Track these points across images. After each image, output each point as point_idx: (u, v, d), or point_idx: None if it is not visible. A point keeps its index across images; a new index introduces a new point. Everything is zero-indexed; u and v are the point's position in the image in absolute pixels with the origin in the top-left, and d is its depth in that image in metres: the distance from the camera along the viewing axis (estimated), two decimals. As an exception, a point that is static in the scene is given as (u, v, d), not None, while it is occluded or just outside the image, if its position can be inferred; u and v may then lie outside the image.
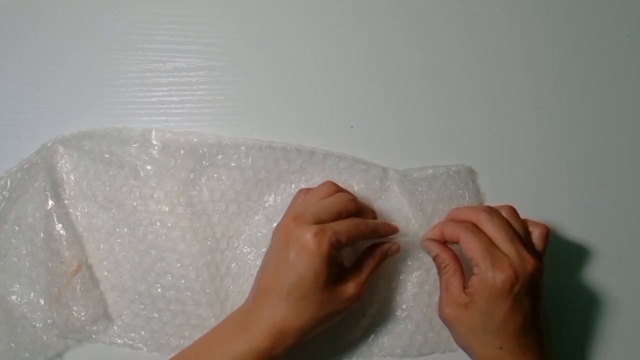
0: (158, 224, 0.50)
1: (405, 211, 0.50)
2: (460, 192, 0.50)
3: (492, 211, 0.44)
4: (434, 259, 0.46)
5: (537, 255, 0.43)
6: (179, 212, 0.50)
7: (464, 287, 0.43)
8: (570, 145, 0.54)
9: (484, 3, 0.56)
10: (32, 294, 0.49)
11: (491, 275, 0.41)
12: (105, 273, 0.50)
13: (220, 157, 0.51)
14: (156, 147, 0.51)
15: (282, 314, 0.41)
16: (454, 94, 0.54)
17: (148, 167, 0.51)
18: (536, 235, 0.44)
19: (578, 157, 0.53)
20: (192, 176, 0.51)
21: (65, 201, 0.51)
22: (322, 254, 0.41)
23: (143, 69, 0.55)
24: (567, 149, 0.53)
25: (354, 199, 0.46)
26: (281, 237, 0.43)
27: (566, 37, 0.55)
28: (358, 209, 0.46)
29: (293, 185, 0.51)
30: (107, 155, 0.51)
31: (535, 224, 0.45)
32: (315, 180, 0.51)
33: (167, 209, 0.50)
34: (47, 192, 0.50)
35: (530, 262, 0.41)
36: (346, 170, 0.51)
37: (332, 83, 0.54)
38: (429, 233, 0.46)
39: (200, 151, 0.51)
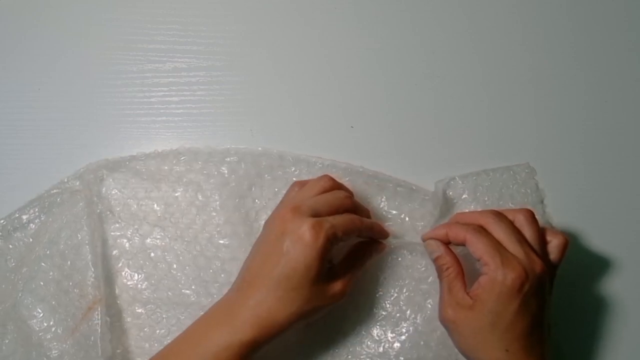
0: (216, 235, 0.50)
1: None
2: (523, 190, 0.50)
3: (500, 215, 0.44)
4: (436, 260, 0.45)
5: (547, 260, 0.43)
6: (234, 221, 0.50)
7: (467, 291, 0.43)
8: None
9: (484, 3, 0.56)
10: (51, 321, 0.47)
11: (501, 274, 0.40)
12: (169, 293, 0.50)
13: (279, 172, 0.51)
14: (215, 161, 0.51)
15: (268, 305, 0.41)
16: (455, 93, 0.54)
17: (211, 181, 0.51)
18: (554, 245, 0.44)
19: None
20: (252, 189, 0.51)
21: (117, 225, 0.51)
22: (317, 247, 0.41)
23: (143, 69, 0.55)
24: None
25: (350, 196, 0.46)
26: (276, 228, 0.43)
27: (566, 39, 0.55)
28: (354, 207, 0.46)
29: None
30: (157, 175, 0.51)
31: (555, 233, 0.45)
32: (379, 203, 0.51)
33: (222, 220, 0.50)
34: (83, 222, 0.49)
35: (538, 264, 0.41)
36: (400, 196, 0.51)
37: (332, 83, 0.54)
38: (431, 233, 0.46)
39: (264, 164, 0.51)
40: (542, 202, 0.51)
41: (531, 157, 0.53)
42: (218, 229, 0.50)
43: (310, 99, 0.54)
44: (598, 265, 0.51)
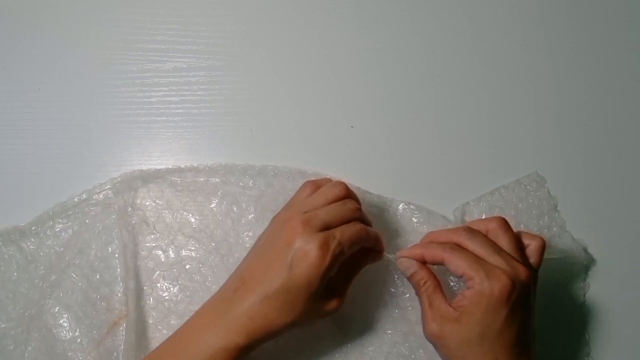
0: (247, 246, 0.50)
1: None
2: (537, 202, 0.51)
3: (471, 230, 0.44)
4: (410, 277, 0.45)
5: (529, 265, 0.43)
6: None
7: (449, 303, 0.42)
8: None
9: (484, 3, 0.56)
10: (77, 332, 0.47)
11: (488, 286, 0.40)
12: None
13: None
14: (251, 175, 0.51)
15: (265, 312, 0.41)
16: (455, 94, 0.54)
17: (247, 193, 0.51)
18: (532, 248, 0.44)
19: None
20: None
21: (152, 236, 0.50)
22: (323, 267, 0.41)
23: (143, 69, 0.55)
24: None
25: (360, 208, 0.46)
26: (284, 235, 0.42)
27: (566, 39, 0.55)
28: (362, 219, 0.46)
29: None
30: (192, 187, 0.51)
31: (532, 236, 0.45)
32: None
33: (257, 232, 0.49)
34: (114, 234, 0.49)
35: (522, 271, 0.41)
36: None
37: (332, 83, 0.54)
38: (405, 252, 0.45)
39: (300, 180, 0.50)
40: (556, 208, 0.51)
41: (531, 157, 0.53)
42: (253, 242, 0.49)
43: (310, 99, 0.54)
44: (598, 265, 0.51)
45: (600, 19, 0.56)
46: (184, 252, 0.50)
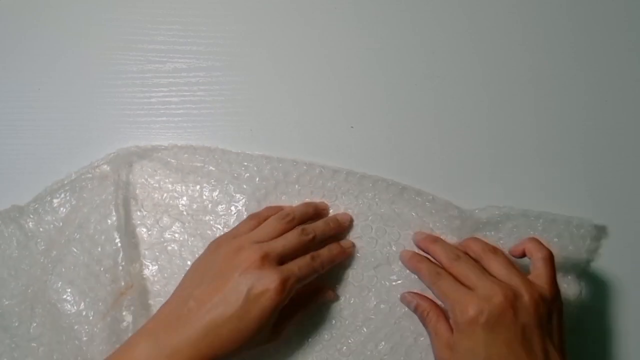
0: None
1: None
2: (571, 248, 0.49)
3: (457, 256, 0.45)
4: (415, 309, 0.46)
5: (523, 279, 0.42)
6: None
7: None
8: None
9: (484, 3, 0.56)
10: (82, 305, 0.48)
11: (458, 312, 0.41)
12: None
13: (307, 178, 0.51)
14: (246, 167, 0.51)
15: (210, 341, 0.40)
16: (455, 94, 0.54)
17: (238, 184, 0.50)
18: (537, 259, 0.43)
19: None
20: (284, 198, 0.51)
21: (138, 213, 0.50)
22: (280, 302, 0.41)
23: (143, 69, 0.55)
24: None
25: (315, 235, 0.46)
26: (239, 265, 0.42)
27: (566, 39, 0.55)
28: (321, 239, 0.47)
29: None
30: (186, 169, 0.51)
31: (538, 249, 0.44)
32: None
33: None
34: (112, 207, 0.49)
35: (497, 293, 0.40)
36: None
37: (332, 83, 0.54)
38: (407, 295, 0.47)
39: (294, 175, 0.51)
40: (588, 263, 0.50)
41: (531, 157, 0.53)
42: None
43: (310, 99, 0.54)
44: (597, 265, 0.51)
45: (600, 19, 0.56)
46: (167, 234, 0.50)
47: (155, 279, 0.50)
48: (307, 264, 0.44)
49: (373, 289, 0.49)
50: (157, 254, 0.50)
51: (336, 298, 0.49)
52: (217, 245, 0.45)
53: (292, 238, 0.45)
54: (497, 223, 0.49)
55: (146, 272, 0.50)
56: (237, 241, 0.44)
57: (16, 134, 0.54)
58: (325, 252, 0.47)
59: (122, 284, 0.48)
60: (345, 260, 0.49)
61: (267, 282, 0.41)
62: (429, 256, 0.47)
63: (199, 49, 0.55)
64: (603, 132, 0.54)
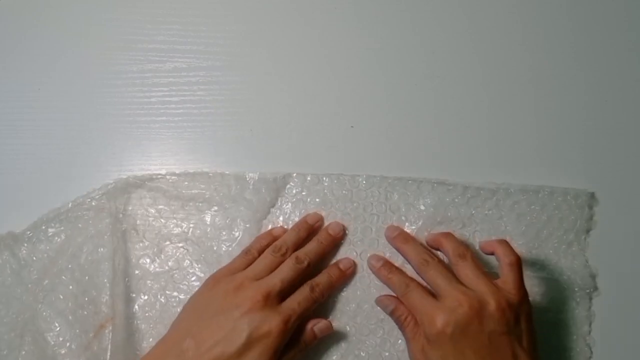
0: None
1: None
2: (572, 217, 0.50)
3: (427, 262, 0.45)
4: (391, 314, 0.46)
5: (490, 287, 0.42)
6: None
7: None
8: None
9: (484, 3, 0.56)
10: (67, 336, 0.47)
11: (427, 324, 0.42)
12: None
13: (304, 192, 0.51)
14: (251, 187, 0.51)
15: None
16: (455, 94, 0.54)
17: (238, 208, 0.50)
18: (503, 264, 0.44)
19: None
20: (278, 215, 0.51)
21: (140, 244, 0.50)
22: (282, 341, 0.42)
23: (143, 69, 0.55)
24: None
25: (310, 261, 0.46)
26: (241, 304, 0.42)
27: (566, 39, 0.55)
28: (314, 264, 0.47)
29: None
30: (185, 196, 0.51)
31: (506, 253, 0.44)
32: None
33: (242, 248, 0.49)
34: (106, 237, 0.49)
35: (464, 303, 0.41)
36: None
37: (332, 83, 0.54)
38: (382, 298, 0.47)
39: (294, 191, 0.51)
40: (587, 232, 0.51)
41: (531, 157, 0.53)
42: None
43: (310, 98, 0.54)
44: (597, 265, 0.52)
45: (600, 19, 0.56)
46: (171, 263, 0.50)
47: (165, 307, 0.49)
48: (306, 298, 0.44)
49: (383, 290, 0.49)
50: (164, 283, 0.49)
51: (331, 330, 0.47)
52: (215, 281, 0.45)
53: (287, 270, 0.45)
54: (497, 200, 0.50)
55: (154, 302, 0.49)
56: (236, 279, 0.44)
57: (16, 134, 0.54)
58: (324, 280, 0.47)
59: (103, 316, 0.48)
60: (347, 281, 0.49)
61: (270, 323, 0.41)
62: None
63: (199, 49, 0.55)
64: (603, 132, 0.54)
